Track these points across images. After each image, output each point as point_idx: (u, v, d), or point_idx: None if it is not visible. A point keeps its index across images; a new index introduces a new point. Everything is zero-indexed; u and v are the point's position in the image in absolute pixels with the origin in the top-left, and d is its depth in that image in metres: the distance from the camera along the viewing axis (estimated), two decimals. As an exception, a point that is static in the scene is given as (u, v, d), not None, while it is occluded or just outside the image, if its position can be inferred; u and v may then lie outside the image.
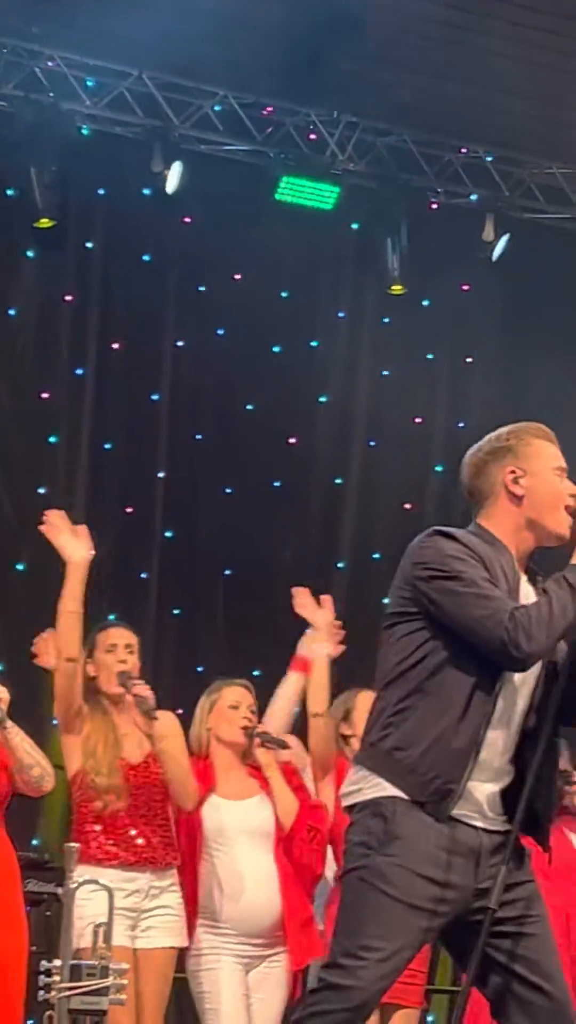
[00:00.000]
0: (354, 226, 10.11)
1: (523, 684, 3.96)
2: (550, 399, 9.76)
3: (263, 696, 6.32)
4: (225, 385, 9.77)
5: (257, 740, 6.00)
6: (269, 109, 9.63)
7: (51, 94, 9.03)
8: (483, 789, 3.91)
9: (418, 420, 10.11)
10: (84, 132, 9.36)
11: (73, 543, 5.62)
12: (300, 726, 6.22)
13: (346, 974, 3.74)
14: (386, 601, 4.18)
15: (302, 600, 6.32)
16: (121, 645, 5.83)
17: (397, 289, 9.91)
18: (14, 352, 9.29)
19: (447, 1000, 8.12)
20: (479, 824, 3.90)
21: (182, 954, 5.77)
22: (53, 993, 4.36)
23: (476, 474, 4.11)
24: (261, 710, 6.18)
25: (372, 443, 10.13)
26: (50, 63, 9.06)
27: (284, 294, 9.97)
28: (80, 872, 5.31)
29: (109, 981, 4.35)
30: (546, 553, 4.11)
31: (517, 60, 8.93)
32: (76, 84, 9.16)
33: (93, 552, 5.64)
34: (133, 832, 5.65)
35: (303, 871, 5.84)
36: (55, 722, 6.32)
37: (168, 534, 9.50)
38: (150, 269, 9.63)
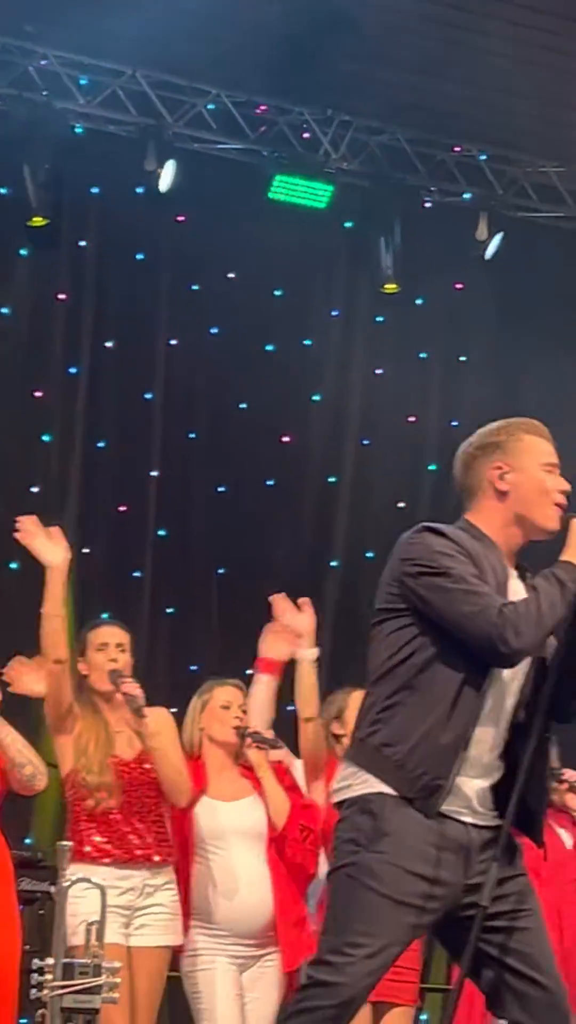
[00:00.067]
0: (347, 225, 10.11)
1: (512, 680, 3.96)
2: (543, 397, 9.79)
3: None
4: (218, 384, 9.77)
5: (248, 740, 6.00)
6: (262, 108, 9.63)
7: (44, 92, 9.03)
8: (472, 785, 3.91)
9: (411, 419, 10.12)
10: (77, 130, 9.36)
11: (49, 547, 5.59)
12: (291, 729, 6.19)
13: (333, 971, 3.74)
14: (381, 598, 4.18)
15: (281, 606, 6.28)
16: (112, 644, 5.83)
17: (390, 288, 9.92)
18: (7, 350, 9.28)
19: (440, 998, 8.12)
20: (469, 820, 3.90)
21: (176, 952, 5.77)
22: (46, 992, 4.36)
23: (465, 470, 4.12)
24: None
25: (365, 442, 10.13)
26: (43, 62, 9.05)
27: (277, 293, 9.97)
28: (74, 871, 5.31)
29: (102, 979, 4.35)
30: (545, 551, 4.11)
31: (510, 59, 8.93)
32: (69, 82, 9.15)
33: (69, 553, 5.60)
34: (126, 829, 5.65)
35: (296, 871, 5.84)
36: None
37: (161, 533, 9.50)
38: (143, 268, 9.63)
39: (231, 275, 9.80)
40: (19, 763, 5.73)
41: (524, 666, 3.97)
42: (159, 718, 5.84)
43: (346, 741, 5.89)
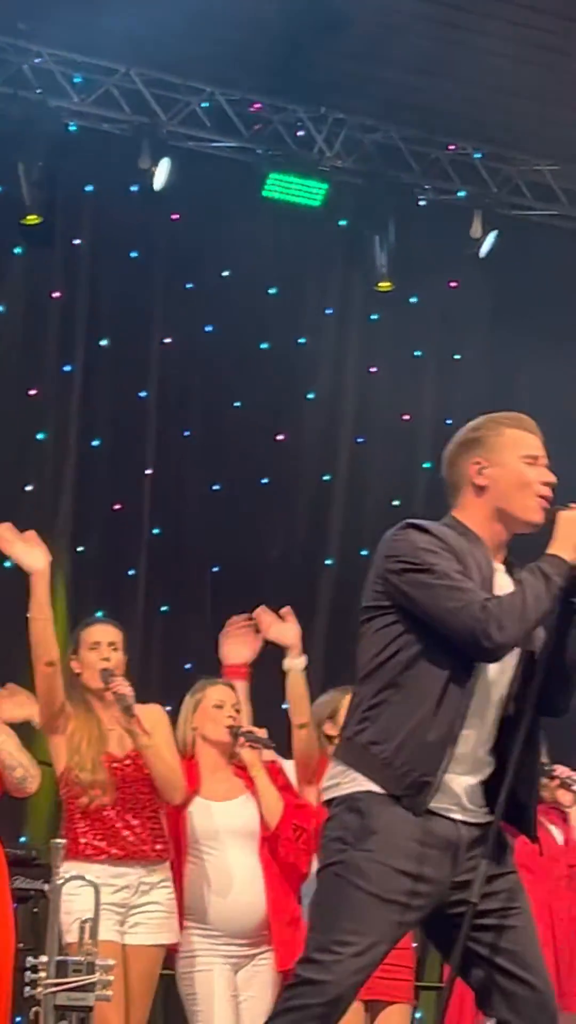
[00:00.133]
0: (342, 223, 10.11)
1: (500, 675, 3.96)
2: (538, 396, 9.79)
3: (250, 695, 6.32)
4: (213, 382, 9.77)
5: (242, 739, 6.00)
6: (257, 106, 9.63)
7: (38, 91, 9.02)
8: (461, 781, 3.90)
9: (406, 417, 10.12)
10: (71, 129, 9.36)
11: (28, 552, 5.57)
12: (284, 730, 6.19)
13: (320, 969, 3.73)
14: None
15: (265, 620, 6.24)
16: (104, 643, 5.83)
17: (385, 286, 9.92)
18: (1, 349, 9.28)
19: (435, 997, 8.13)
20: (458, 817, 3.89)
21: (171, 952, 5.77)
22: (39, 989, 4.36)
23: (449, 466, 4.13)
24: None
25: (360, 440, 10.14)
26: (37, 60, 9.05)
27: (272, 291, 9.97)
28: (69, 868, 5.31)
29: (95, 977, 4.35)
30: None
31: (505, 57, 8.94)
32: (63, 81, 9.15)
33: (49, 556, 5.58)
34: (120, 826, 5.66)
35: (289, 870, 5.84)
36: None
37: (156, 531, 9.49)
38: (138, 266, 9.62)
39: (225, 273, 9.80)
40: (9, 766, 5.76)
41: (512, 661, 3.97)
42: (152, 715, 5.85)
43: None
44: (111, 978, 4.39)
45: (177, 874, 5.79)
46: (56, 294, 9.41)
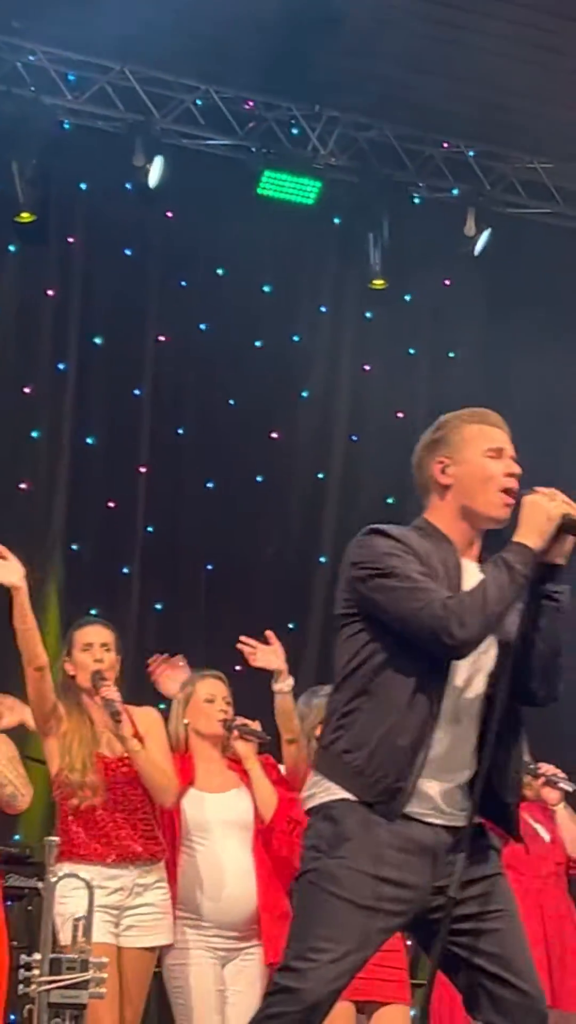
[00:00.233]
0: (336, 221, 10.11)
1: (475, 674, 3.92)
2: (532, 393, 9.81)
3: (245, 693, 6.32)
4: (207, 380, 9.77)
5: (235, 732, 6.00)
6: (251, 104, 9.63)
7: (32, 88, 9.02)
8: (437, 785, 3.87)
9: (400, 414, 10.11)
10: (65, 126, 9.36)
11: (5, 568, 5.55)
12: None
13: (297, 977, 3.71)
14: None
15: (249, 648, 6.22)
16: (97, 644, 5.82)
17: (378, 284, 9.93)
18: (-4, 347, 9.29)
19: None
20: (435, 821, 3.86)
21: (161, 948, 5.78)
22: (33, 987, 4.36)
23: (417, 469, 4.11)
24: (239, 702, 6.17)
25: (354, 438, 10.13)
26: (31, 57, 9.04)
27: (266, 289, 9.97)
28: (64, 868, 5.32)
29: (89, 975, 4.35)
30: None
31: (499, 55, 8.93)
32: (57, 78, 9.15)
33: (23, 568, 5.55)
34: (111, 827, 5.65)
35: (282, 864, 5.83)
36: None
37: (150, 529, 9.49)
38: (132, 264, 9.62)
39: (220, 271, 9.80)
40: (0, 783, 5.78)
41: (488, 658, 3.93)
42: (147, 718, 5.85)
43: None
44: (105, 976, 4.40)
45: (171, 865, 5.80)
46: (50, 292, 9.40)
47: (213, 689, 6.07)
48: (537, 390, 9.81)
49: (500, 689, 3.88)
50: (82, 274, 9.48)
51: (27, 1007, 4.37)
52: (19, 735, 6.00)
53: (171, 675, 6.33)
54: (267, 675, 6.23)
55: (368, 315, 10.23)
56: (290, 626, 8.90)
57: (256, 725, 6.04)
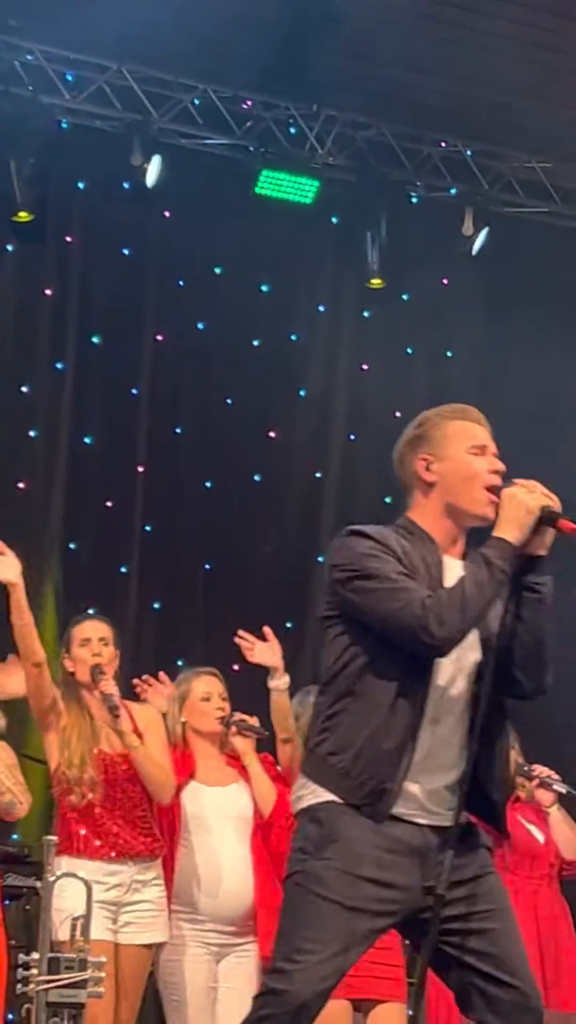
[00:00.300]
0: (333, 220, 10.11)
1: (458, 673, 3.89)
2: (529, 393, 9.80)
3: (242, 691, 6.32)
4: (205, 379, 9.77)
5: (233, 728, 6.01)
6: (248, 103, 9.62)
7: (30, 88, 9.02)
8: (425, 786, 3.85)
9: (398, 414, 10.08)
10: (63, 126, 9.35)
11: (2, 564, 5.55)
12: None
13: (284, 978, 3.70)
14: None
15: (246, 644, 6.23)
16: (95, 639, 5.84)
17: (376, 283, 9.92)
18: (-7, 346, 9.28)
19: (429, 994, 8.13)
20: (423, 821, 3.85)
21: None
22: (31, 986, 4.37)
23: (399, 466, 4.11)
24: (236, 701, 6.17)
25: (352, 437, 10.13)
26: (29, 57, 9.04)
27: (264, 288, 9.97)
28: (62, 864, 5.33)
29: (87, 974, 4.36)
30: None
31: (497, 54, 8.94)
32: (55, 78, 9.14)
33: (20, 564, 5.55)
34: (110, 824, 5.66)
35: (280, 859, 5.80)
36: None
37: (147, 528, 9.48)
38: (130, 263, 9.62)
39: (217, 270, 9.80)
40: None
41: (471, 659, 3.91)
42: (145, 715, 5.86)
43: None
44: (103, 975, 4.40)
45: (169, 859, 5.80)
46: (48, 291, 9.40)
47: (209, 686, 6.08)
48: (535, 389, 9.81)
49: (484, 685, 3.86)
50: (80, 273, 9.48)
51: (25, 1006, 4.38)
52: (16, 731, 6.00)
53: (160, 691, 6.33)
54: (264, 675, 6.24)
55: (366, 314, 10.23)
56: (287, 625, 8.88)
57: (254, 721, 6.05)
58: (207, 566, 9.60)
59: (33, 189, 8.97)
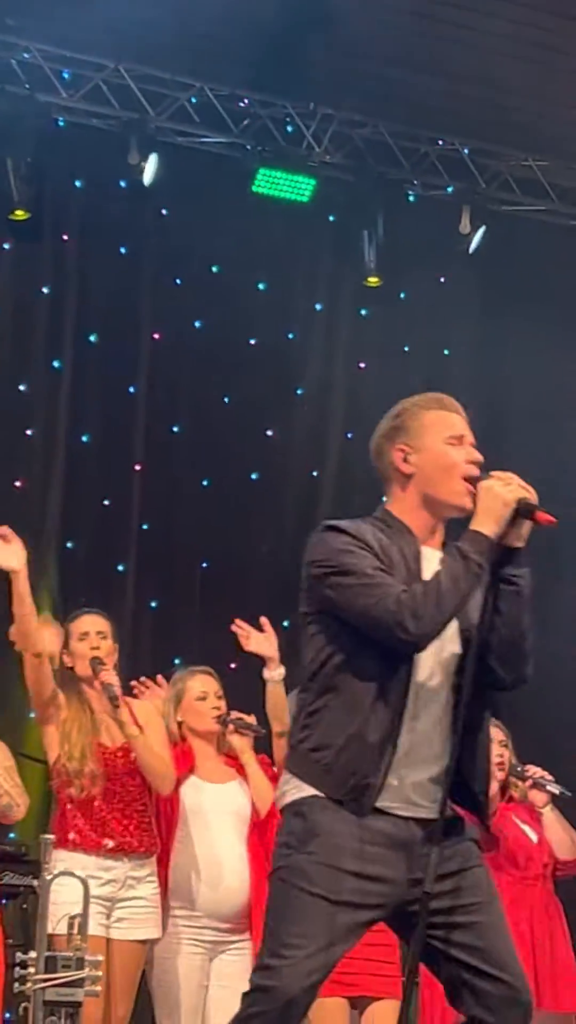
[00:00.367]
0: (331, 218, 10.11)
1: (438, 666, 3.89)
2: (527, 391, 9.81)
3: (239, 690, 6.32)
4: (202, 377, 9.76)
5: (231, 726, 6.01)
6: (245, 101, 9.62)
7: (27, 86, 9.01)
8: (409, 779, 3.85)
9: (395, 412, 10.09)
10: (60, 124, 9.35)
11: (5, 551, 5.56)
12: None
13: (271, 975, 3.70)
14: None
15: (243, 632, 6.24)
16: (93, 632, 5.86)
17: (373, 281, 9.92)
18: (-10, 345, 9.28)
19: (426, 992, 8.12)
20: (407, 814, 3.84)
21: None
22: (29, 985, 4.37)
23: (376, 458, 4.09)
24: (233, 700, 6.17)
25: (349, 435, 10.13)
26: (26, 55, 9.04)
27: (261, 286, 9.96)
28: (57, 858, 5.33)
29: (84, 973, 4.36)
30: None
31: (494, 52, 8.93)
32: (52, 76, 9.14)
33: (25, 551, 5.55)
34: (109, 818, 5.66)
35: (276, 857, 5.84)
36: (31, 715, 6.33)
37: (145, 526, 9.48)
38: (127, 261, 9.61)
39: (214, 268, 9.80)
40: None
41: (451, 652, 3.90)
42: (144, 710, 5.87)
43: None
44: (100, 974, 4.40)
45: (165, 854, 5.81)
46: (44, 289, 9.39)
47: (204, 686, 6.08)
48: (532, 387, 9.82)
49: (466, 677, 3.85)
50: (77, 272, 9.47)
51: (22, 1005, 4.37)
52: (14, 728, 5.99)
53: (157, 694, 6.33)
54: (261, 674, 6.24)
55: (363, 312, 10.23)
56: (284, 624, 8.87)
57: (252, 719, 6.05)
58: (204, 564, 9.60)
59: (30, 187, 8.97)
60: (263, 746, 6.17)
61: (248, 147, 9.65)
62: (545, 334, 9.87)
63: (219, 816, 5.89)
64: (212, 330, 9.76)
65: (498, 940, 3.85)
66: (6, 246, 9.29)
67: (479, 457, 3.99)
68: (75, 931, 4.72)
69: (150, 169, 9.28)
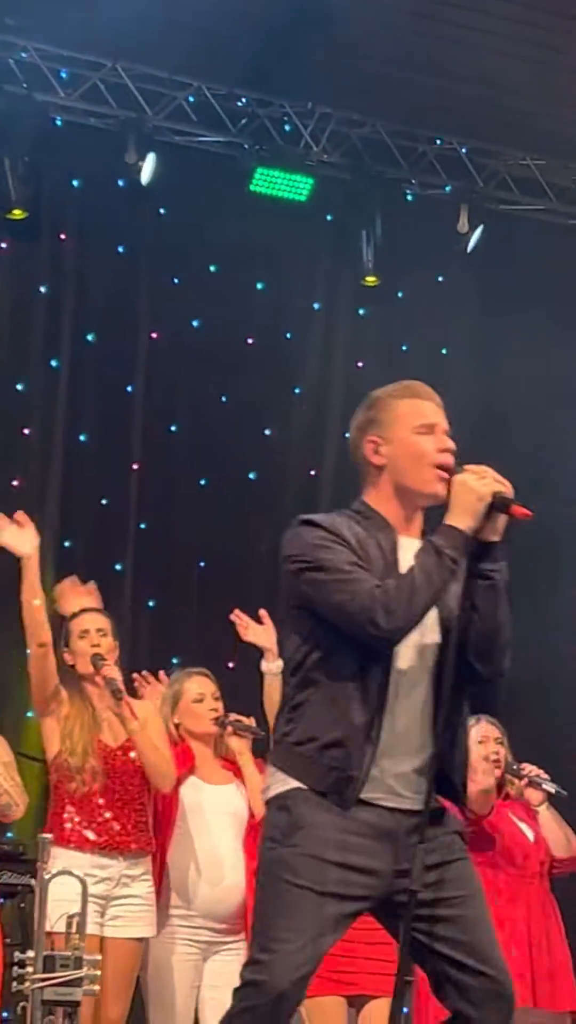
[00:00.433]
0: (328, 217, 10.10)
1: (419, 658, 3.88)
2: (525, 390, 9.80)
3: (237, 689, 6.32)
4: (200, 377, 9.76)
5: (229, 728, 6.00)
6: (243, 100, 9.62)
7: (24, 85, 9.01)
8: (393, 770, 3.84)
9: (393, 412, 10.09)
10: (57, 123, 9.35)
11: (19, 536, 5.57)
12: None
13: (261, 969, 3.70)
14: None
15: (241, 622, 6.24)
16: (93, 630, 5.88)
17: (371, 280, 9.92)
18: (-12, 344, 9.27)
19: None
20: (392, 805, 3.84)
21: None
22: (27, 984, 4.36)
23: (353, 451, 4.11)
24: (231, 698, 6.17)
25: (347, 435, 10.08)
26: (23, 54, 9.03)
27: (259, 285, 9.96)
28: (53, 854, 5.33)
29: (82, 972, 4.35)
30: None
31: (492, 51, 8.94)
32: (50, 75, 9.13)
33: (38, 537, 5.57)
34: (108, 815, 5.67)
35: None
36: (30, 714, 6.33)
37: (142, 526, 9.47)
38: (124, 260, 9.61)
39: (212, 268, 9.79)
40: None
41: (431, 644, 3.90)
42: (144, 709, 5.88)
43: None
44: (98, 973, 4.40)
45: (162, 853, 5.81)
46: (42, 289, 9.38)
47: (201, 687, 6.08)
48: (530, 386, 9.81)
49: (446, 667, 3.85)
50: (74, 271, 9.47)
51: (20, 1004, 4.37)
52: (12, 726, 5.99)
53: (157, 690, 6.33)
54: (259, 671, 6.24)
55: (361, 312, 10.23)
56: (282, 623, 8.88)
57: (250, 721, 6.05)
58: (202, 564, 9.59)
59: (27, 187, 8.96)
60: (263, 747, 6.16)
61: (246, 146, 9.65)
62: (543, 333, 9.86)
63: (217, 816, 5.90)
64: (210, 329, 9.75)
65: (481, 934, 3.85)
66: (3, 245, 9.29)
67: (451, 445, 4.00)
68: (73, 930, 4.72)
69: (148, 168, 9.28)
